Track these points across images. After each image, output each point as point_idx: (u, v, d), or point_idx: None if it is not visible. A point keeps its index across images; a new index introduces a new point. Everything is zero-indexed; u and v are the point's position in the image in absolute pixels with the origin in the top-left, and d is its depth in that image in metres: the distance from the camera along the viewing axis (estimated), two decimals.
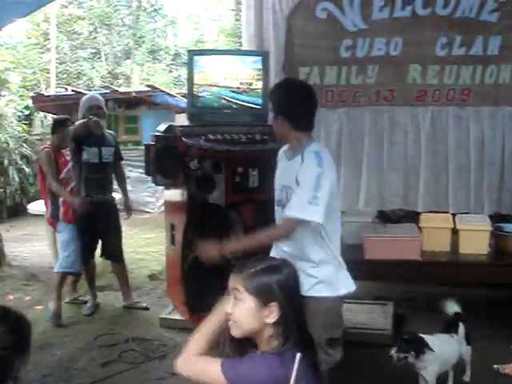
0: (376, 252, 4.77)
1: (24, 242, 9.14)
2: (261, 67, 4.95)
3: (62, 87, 13.93)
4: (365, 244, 4.86)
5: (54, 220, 5.96)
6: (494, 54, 5.17)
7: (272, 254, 3.30)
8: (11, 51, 14.01)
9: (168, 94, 11.54)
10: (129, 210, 6.10)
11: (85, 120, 5.42)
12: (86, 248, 5.76)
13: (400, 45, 5.29)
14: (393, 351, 3.65)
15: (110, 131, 6.17)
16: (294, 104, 3.23)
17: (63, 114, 10.30)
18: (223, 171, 4.73)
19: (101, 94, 8.27)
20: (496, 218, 5.22)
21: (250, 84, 4.96)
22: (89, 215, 5.58)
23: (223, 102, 4.95)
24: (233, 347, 2.19)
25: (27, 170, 11.64)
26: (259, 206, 4.58)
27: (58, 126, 5.98)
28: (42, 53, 17.09)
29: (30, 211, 9.09)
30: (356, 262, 3.96)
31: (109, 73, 18.81)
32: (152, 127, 6.19)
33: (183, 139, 4.71)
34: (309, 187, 3.03)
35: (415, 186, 5.44)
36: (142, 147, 5.28)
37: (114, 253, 5.93)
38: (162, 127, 5.00)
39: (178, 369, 2.20)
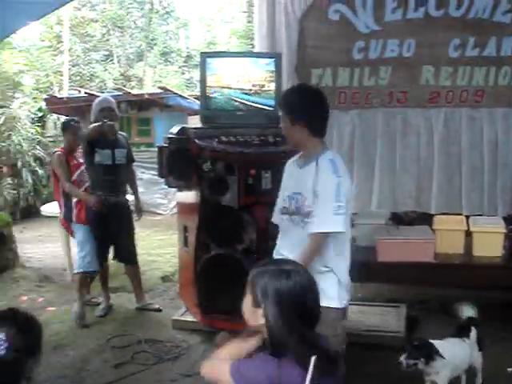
0: (389, 254, 4.76)
1: (37, 244, 9.19)
2: (273, 69, 4.95)
3: (75, 89, 14.01)
4: (378, 246, 4.85)
5: (67, 222, 5.98)
6: (507, 55, 5.12)
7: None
8: (25, 54, 14.11)
9: (180, 96, 11.59)
10: (139, 211, 6.10)
11: (99, 124, 5.44)
12: (99, 250, 5.77)
13: (413, 46, 5.26)
14: (402, 357, 3.61)
15: (122, 133, 6.19)
16: (312, 110, 3.22)
17: (76, 115, 10.38)
18: (236, 173, 4.73)
19: (113, 96, 8.31)
20: (510, 220, 5.19)
21: (263, 86, 4.96)
22: (102, 217, 5.60)
23: (236, 104, 4.95)
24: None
25: (40, 171, 11.70)
26: (272, 208, 4.57)
27: (64, 128, 6.07)
28: (55, 55, 17.19)
29: (43, 213, 9.13)
30: (369, 264, 3.97)
31: (121, 75, 18.89)
32: (164, 129, 6.21)
33: (196, 141, 4.72)
34: (331, 198, 3.06)
35: (428, 188, 5.41)
36: (155, 149, 5.29)
37: (127, 255, 5.94)
38: (175, 129, 5.01)
39: (203, 374, 2.25)
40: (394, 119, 5.41)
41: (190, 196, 5.04)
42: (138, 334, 5.20)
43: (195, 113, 10.18)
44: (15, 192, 11.36)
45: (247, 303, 2.18)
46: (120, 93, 11.86)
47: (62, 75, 15.93)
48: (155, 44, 20.37)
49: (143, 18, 20.49)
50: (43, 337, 2.24)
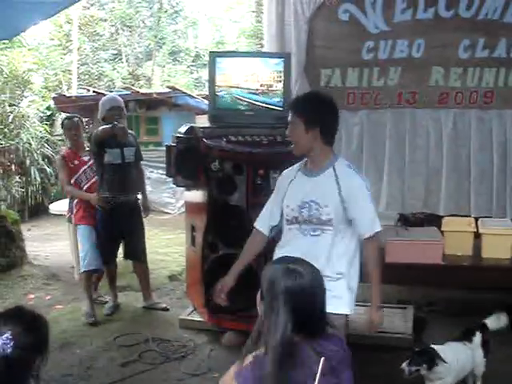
0: (397, 255, 4.75)
1: (45, 242, 9.21)
2: (282, 69, 4.94)
3: (84, 88, 14.06)
4: (386, 247, 4.84)
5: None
6: None
7: None
8: (34, 52, 14.14)
9: (189, 95, 11.60)
10: (147, 209, 6.11)
11: (110, 126, 5.43)
12: (108, 248, 5.78)
13: (422, 47, 5.25)
14: (404, 364, 3.59)
15: (130, 131, 6.19)
16: (328, 119, 3.21)
17: (84, 114, 10.45)
18: (244, 173, 4.73)
19: (122, 95, 8.33)
20: None
21: (271, 86, 4.95)
22: (112, 216, 5.62)
23: (244, 103, 4.95)
24: None
25: (49, 170, 11.73)
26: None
27: (63, 125, 6.10)
28: (64, 54, 17.23)
29: (51, 211, 9.17)
30: None
31: (130, 74, 18.92)
32: (173, 128, 6.20)
33: (204, 141, 4.72)
34: (368, 200, 3.18)
35: (437, 189, 5.39)
36: (163, 148, 5.30)
37: (137, 253, 5.94)
38: (183, 128, 5.01)
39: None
40: (403, 120, 5.39)
41: (197, 195, 5.04)
42: (145, 333, 5.21)
43: (203, 112, 10.19)
44: (23, 190, 11.39)
45: (258, 296, 2.23)
46: (128, 92, 11.88)
47: (70, 74, 15.98)
48: (164, 43, 20.39)
49: (152, 17, 20.52)
50: (50, 335, 2.24)
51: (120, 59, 19.62)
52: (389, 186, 5.43)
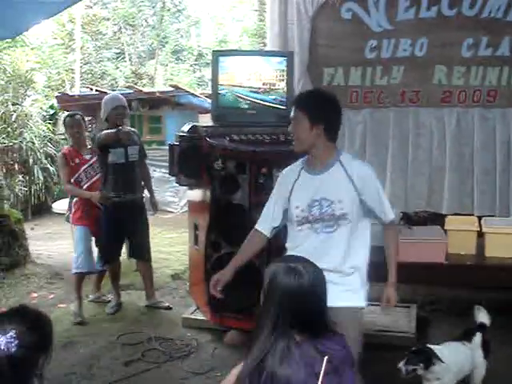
0: (401, 254, 4.72)
1: (48, 241, 9.22)
2: (285, 68, 4.94)
3: (87, 87, 14.07)
4: None
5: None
6: None
7: None
8: (37, 51, 14.16)
9: (192, 94, 11.60)
10: (155, 206, 6.11)
11: (115, 131, 5.43)
12: (112, 247, 5.79)
13: (425, 45, 5.24)
14: (401, 364, 3.57)
15: (133, 129, 6.19)
16: (332, 116, 3.21)
17: (87, 113, 10.45)
18: (247, 172, 4.72)
19: (125, 94, 8.34)
20: None
21: (274, 84, 4.95)
22: (117, 214, 5.61)
23: (247, 102, 4.95)
24: None
25: (52, 169, 11.73)
26: None
27: (65, 123, 6.08)
28: (67, 53, 17.24)
29: (54, 210, 9.19)
30: (380, 263, 3.93)
31: (133, 73, 18.93)
32: (175, 127, 6.20)
33: (207, 139, 4.72)
34: (381, 188, 3.26)
35: (440, 188, 5.38)
36: (166, 147, 5.30)
37: (142, 252, 5.95)
38: (186, 127, 5.01)
39: None
40: (406, 119, 5.39)
41: (200, 194, 5.04)
42: (148, 332, 5.21)
43: (206, 111, 10.17)
44: (26, 189, 11.41)
45: (262, 295, 2.25)
46: (131, 91, 11.89)
47: (73, 73, 15.98)
48: (167, 42, 20.39)
49: (155, 16, 20.52)
50: (53, 334, 2.24)
51: (123, 58, 19.63)
52: (392, 185, 5.42)
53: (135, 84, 15.57)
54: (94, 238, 5.94)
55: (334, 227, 3.13)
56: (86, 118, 9.06)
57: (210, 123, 5.07)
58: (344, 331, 2.94)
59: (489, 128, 5.26)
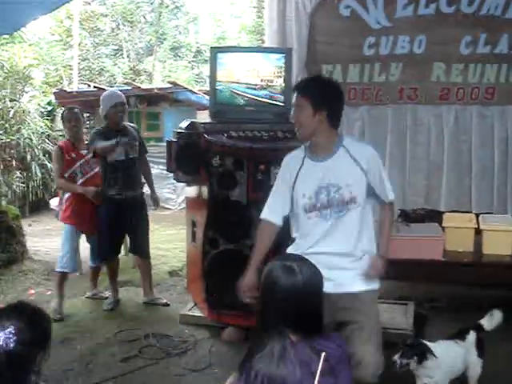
0: (398, 251, 4.73)
1: (46, 237, 9.21)
2: (283, 64, 4.93)
3: (85, 83, 14.02)
4: None
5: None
6: None
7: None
8: (34, 47, 14.11)
9: (190, 90, 11.58)
10: (156, 202, 6.09)
11: (111, 144, 5.40)
12: (112, 243, 5.77)
13: (424, 43, 5.25)
14: (396, 357, 3.56)
15: (133, 124, 6.16)
16: (335, 103, 3.21)
17: (85, 110, 10.42)
18: (245, 168, 4.72)
19: (123, 90, 8.30)
20: None
21: (272, 81, 4.95)
22: (117, 211, 5.58)
23: (245, 99, 4.94)
24: None
25: (49, 165, 11.67)
26: None
27: (63, 117, 5.96)
28: (65, 49, 17.19)
29: (51, 206, 9.15)
30: None
31: (131, 69, 18.89)
32: (173, 124, 6.18)
33: (205, 136, 4.71)
34: (383, 168, 3.30)
35: (438, 186, 5.40)
36: (164, 144, 5.29)
37: (143, 249, 5.92)
38: (184, 124, 5.00)
39: None
40: (404, 116, 5.40)
41: (198, 191, 5.04)
42: (146, 329, 5.20)
43: (204, 107, 10.16)
44: (24, 185, 11.39)
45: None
46: (129, 87, 11.87)
47: (71, 69, 15.92)
48: (165, 39, 20.36)
49: (153, 13, 20.47)
50: (51, 330, 2.24)
51: (121, 54, 19.59)
52: (390, 182, 5.41)
53: (133, 80, 15.54)
54: (85, 236, 5.95)
55: (343, 212, 3.14)
56: (84, 115, 9.06)
57: (208, 120, 5.06)
58: (363, 315, 3.01)
59: (487, 125, 5.27)
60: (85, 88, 12.87)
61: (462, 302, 4.37)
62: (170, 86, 11.83)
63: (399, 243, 4.81)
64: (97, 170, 5.76)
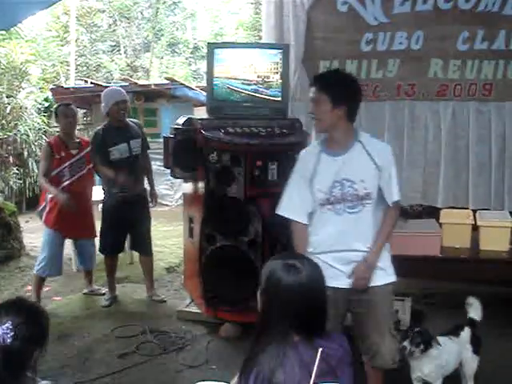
0: (395, 247, 4.72)
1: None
2: (280, 61, 4.93)
3: (82, 80, 13.99)
4: None
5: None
6: None
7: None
8: (31, 44, 14.07)
9: (187, 86, 11.56)
10: (154, 197, 6.07)
11: (113, 175, 5.43)
12: (113, 239, 5.75)
13: (421, 39, 5.23)
14: (406, 343, 3.54)
15: (135, 120, 6.12)
16: (354, 98, 3.23)
17: (82, 106, 10.39)
18: (242, 164, 4.72)
19: (120, 86, 8.28)
20: None
21: (270, 77, 4.94)
22: (120, 207, 5.56)
23: (242, 95, 4.94)
24: None
25: None
26: (278, 199, 4.56)
27: (57, 113, 5.83)
28: (62, 45, 17.15)
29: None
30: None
31: (128, 65, 18.88)
32: (171, 120, 6.16)
33: (202, 132, 4.71)
34: (395, 170, 3.25)
35: (435, 182, 5.39)
36: (161, 140, 5.28)
37: (145, 245, 5.93)
38: (181, 120, 5.00)
39: None
40: (402, 112, 5.39)
41: (195, 187, 5.04)
42: (143, 325, 5.20)
43: (202, 104, 10.16)
44: (21, 182, 11.38)
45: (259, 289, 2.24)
46: (126, 83, 11.82)
47: (68, 65, 15.91)
48: (162, 35, 20.32)
49: (150, 9, 20.45)
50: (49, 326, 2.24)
51: (118, 51, 19.56)
52: None
53: (130, 77, 15.51)
54: (72, 241, 6.02)
55: (358, 207, 3.15)
56: (81, 111, 9.03)
57: (206, 116, 5.05)
58: (379, 309, 3.03)
59: (484, 121, 5.26)
60: (82, 84, 12.84)
61: (459, 299, 4.37)
62: (168, 82, 11.80)
63: (396, 239, 4.80)
64: (85, 170, 5.71)
